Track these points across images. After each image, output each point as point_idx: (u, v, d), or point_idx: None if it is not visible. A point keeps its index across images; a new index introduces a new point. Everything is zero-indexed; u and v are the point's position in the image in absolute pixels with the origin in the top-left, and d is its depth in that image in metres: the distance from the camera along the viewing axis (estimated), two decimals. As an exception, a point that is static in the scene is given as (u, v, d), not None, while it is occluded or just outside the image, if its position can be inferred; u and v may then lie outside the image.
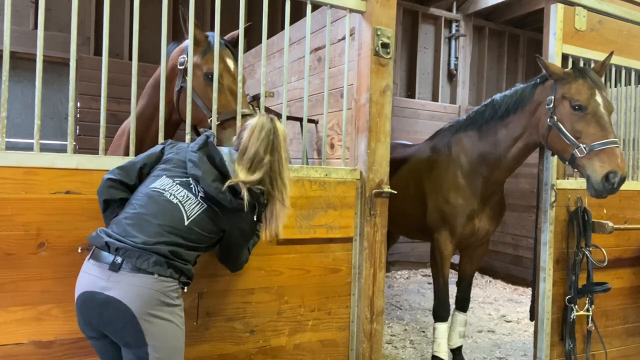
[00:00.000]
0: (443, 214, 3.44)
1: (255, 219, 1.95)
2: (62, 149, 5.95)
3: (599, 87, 2.82)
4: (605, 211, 3.41)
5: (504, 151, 3.19)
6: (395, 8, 2.72)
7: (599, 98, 2.77)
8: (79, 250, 1.98)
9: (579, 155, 2.72)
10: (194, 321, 2.29)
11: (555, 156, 3.08)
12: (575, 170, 3.17)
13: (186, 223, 1.82)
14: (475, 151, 3.36)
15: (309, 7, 2.66)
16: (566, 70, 2.93)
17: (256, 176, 1.89)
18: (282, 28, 3.44)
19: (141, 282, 1.68)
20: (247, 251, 2.14)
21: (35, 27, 5.59)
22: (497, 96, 3.33)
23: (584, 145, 2.70)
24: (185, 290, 1.85)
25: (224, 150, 1.98)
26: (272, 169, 1.94)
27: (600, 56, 3.35)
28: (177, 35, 6.14)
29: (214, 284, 2.33)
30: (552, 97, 2.86)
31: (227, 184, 1.84)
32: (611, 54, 3.02)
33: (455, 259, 3.97)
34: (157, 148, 2.05)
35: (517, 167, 3.32)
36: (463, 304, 3.69)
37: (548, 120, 2.87)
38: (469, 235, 3.45)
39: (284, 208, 1.99)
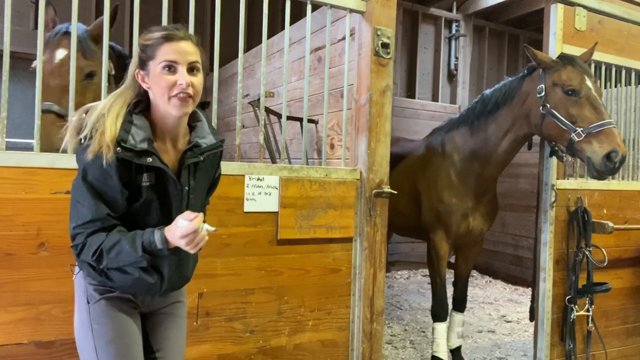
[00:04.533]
0: (437, 213, 3.44)
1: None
2: (62, 149, 5.93)
3: (587, 73, 2.88)
4: (605, 211, 3.41)
5: (495, 145, 3.21)
6: (395, 8, 2.72)
7: (589, 82, 2.82)
8: None
9: (577, 139, 2.73)
10: (194, 321, 2.29)
11: (555, 157, 3.08)
12: (574, 165, 3.18)
13: None
14: (467, 148, 3.37)
15: (309, 7, 2.66)
16: (554, 59, 2.96)
17: None
18: (282, 28, 3.43)
19: None
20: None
21: (35, 27, 5.59)
22: (487, 91, 3.36)
23: (581, 129, 2.72)
24: (76, 274, 1.72)
25: None
26: None
27: (601, 56, 3.36)
28: (177, 35, 6.14)
29: (214, 284, 2.33)
30: (543, 86, 2.89)
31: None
32: (595, 44, 3.09)
33: (453, 258, 3.97)
34: None
35: (509, 161, 3.33)
36: (460, 305, 3.69)
37: (541, 108, 2.89)
38: (464, 234, 3.46)
39: None
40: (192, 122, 1.75)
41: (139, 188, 1.58)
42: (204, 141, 1.72)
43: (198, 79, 1.60)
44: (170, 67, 1.55)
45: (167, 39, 1.56)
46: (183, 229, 1.47)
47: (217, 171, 1.89)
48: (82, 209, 1.54)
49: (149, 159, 1.56)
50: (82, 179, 1.54)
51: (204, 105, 1.94)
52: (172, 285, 1.74)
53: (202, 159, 1.70)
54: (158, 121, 1.64)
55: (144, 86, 1.61)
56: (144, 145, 1.55)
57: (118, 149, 1.51)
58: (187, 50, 1.57)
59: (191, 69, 1.58)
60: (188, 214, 1.51)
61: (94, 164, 1.51)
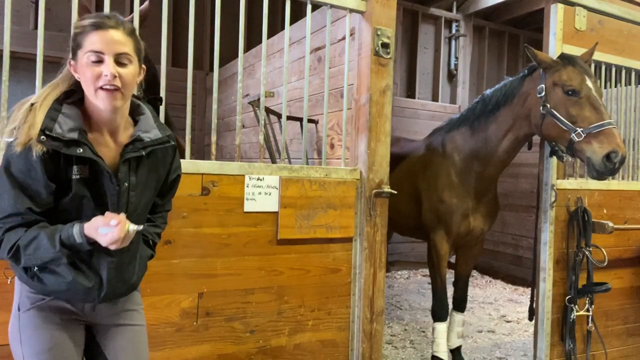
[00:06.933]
0: (438, 213, 3.45)
1: None
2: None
3: (588, 73, 2.87)
4: (605, 211, 3.41)
5: (495, 145, 3.22)
6: (395, 8, 2.72)
7: (589, 83, 2.82)
8: None
9: (577, 139, 2.73)
10: (194, 321, 2.29)
11: (555, 157, 3.09)
12: (574, 165, 3.16)
13: None
14: (467, 148, 3.37)
15: (309, 7, 2.66)
16: (554, 59, 2.96)
17: None
18: (282, 28, 3.43)
19: None
20: None
21: (35, 27, 5.59)
22: (488, 91, 3.37)
23: (581, 129, 2.72)
24: (9, 280, 1.72)
25: None
26: None
27: (601, 56, 3.36)
28: (178, 35, 6.15)
29: (214, 284, 2.33)
30: (543, 86, 2.89)
31: None
32: (596, 44, 3.09)
33: (453, 258, 3.97)
34: None
35: (509, 161, 3.33)
36: (460, 304, 3.69)
37: (541, 108, 2.89)
38: (464, 234, 3.46)
39: None
40: (136, 115, 1.67)
41: (69, 181, 1.49)
42: (147, 135, 1.63)
43: (128, 71, 1.51)
44: (97, 58, 1.46)
45: (96, 27, 1.47)
46: (108, 237, 1.40)
47: (173, 171, 1.76)
48: (2, 202, 1.46)
49: (79, 150, 1.47)
50: (4, 170, 1.47)
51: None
52: (113, 291, 1.61)
53: (144, 153, 1.60)
54: (93, 113, 1.56)
55: (76, 76, 1.53)
56: (74, 135, 1.47)
57: (42, 137, 1.43)
58: (115, 39, 1.48)
59: (120, 60, 1.49)
60: (109, 217, 1.42)
61: (19, 156, 1.44)
